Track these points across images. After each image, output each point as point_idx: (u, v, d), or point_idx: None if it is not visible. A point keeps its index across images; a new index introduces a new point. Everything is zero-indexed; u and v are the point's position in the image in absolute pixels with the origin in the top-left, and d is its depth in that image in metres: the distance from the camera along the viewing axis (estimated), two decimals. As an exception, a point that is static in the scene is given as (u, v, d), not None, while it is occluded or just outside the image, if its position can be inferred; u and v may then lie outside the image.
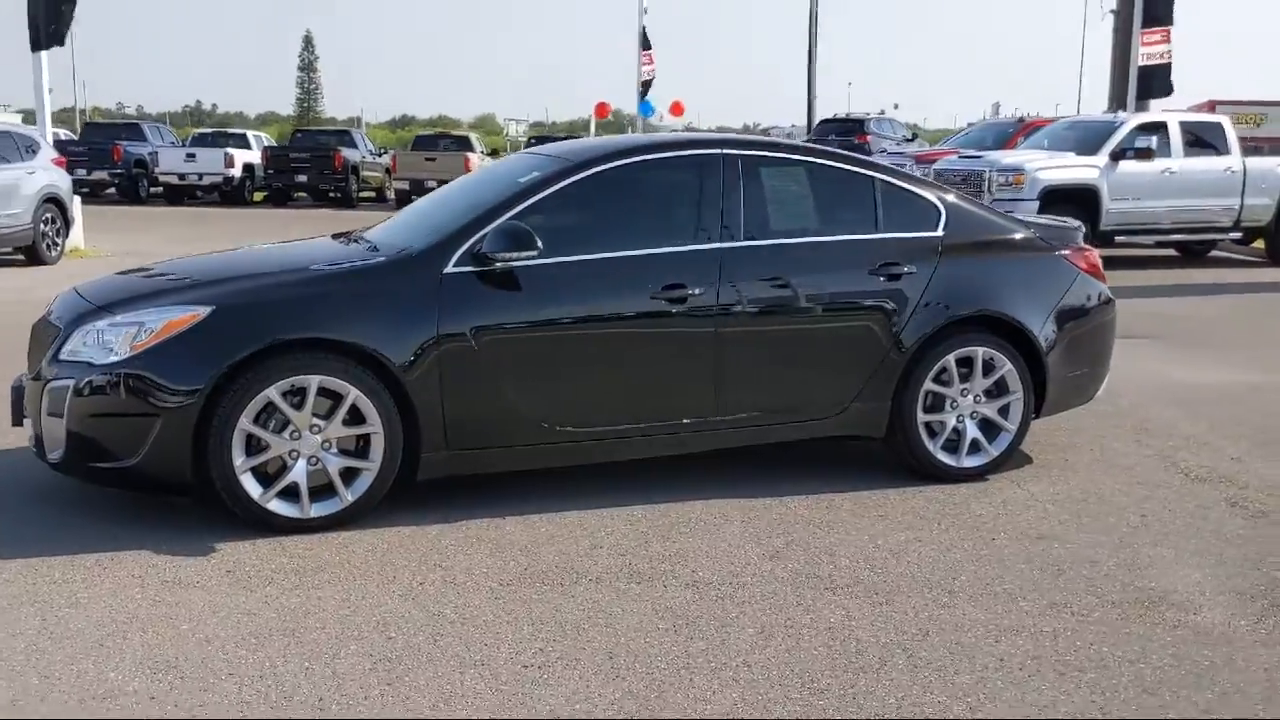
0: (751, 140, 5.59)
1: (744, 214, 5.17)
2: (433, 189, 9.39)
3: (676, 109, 32.18)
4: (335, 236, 5.67)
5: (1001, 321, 5.45)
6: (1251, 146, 18.91)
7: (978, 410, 5.47)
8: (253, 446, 4.53)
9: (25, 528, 4.62)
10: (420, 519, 4.78)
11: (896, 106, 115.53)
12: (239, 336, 4.47)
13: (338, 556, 4.38)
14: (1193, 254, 16.61)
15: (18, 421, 4.95)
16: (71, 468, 4.65)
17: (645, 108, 29.16)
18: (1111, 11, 27.25)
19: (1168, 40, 19.53)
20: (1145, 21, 19.61)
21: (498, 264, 4.77)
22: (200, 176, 27.48)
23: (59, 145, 27.34)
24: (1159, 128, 14.96)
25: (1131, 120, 15.10)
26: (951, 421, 5.44)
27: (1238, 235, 15.75)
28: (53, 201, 14.44)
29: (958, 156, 16.41)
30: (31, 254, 14.09)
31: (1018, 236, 5.67)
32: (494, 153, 32.59)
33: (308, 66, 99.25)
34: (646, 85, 29.26)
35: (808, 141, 30.39)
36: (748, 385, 5.14)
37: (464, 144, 29.24)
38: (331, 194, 27.59)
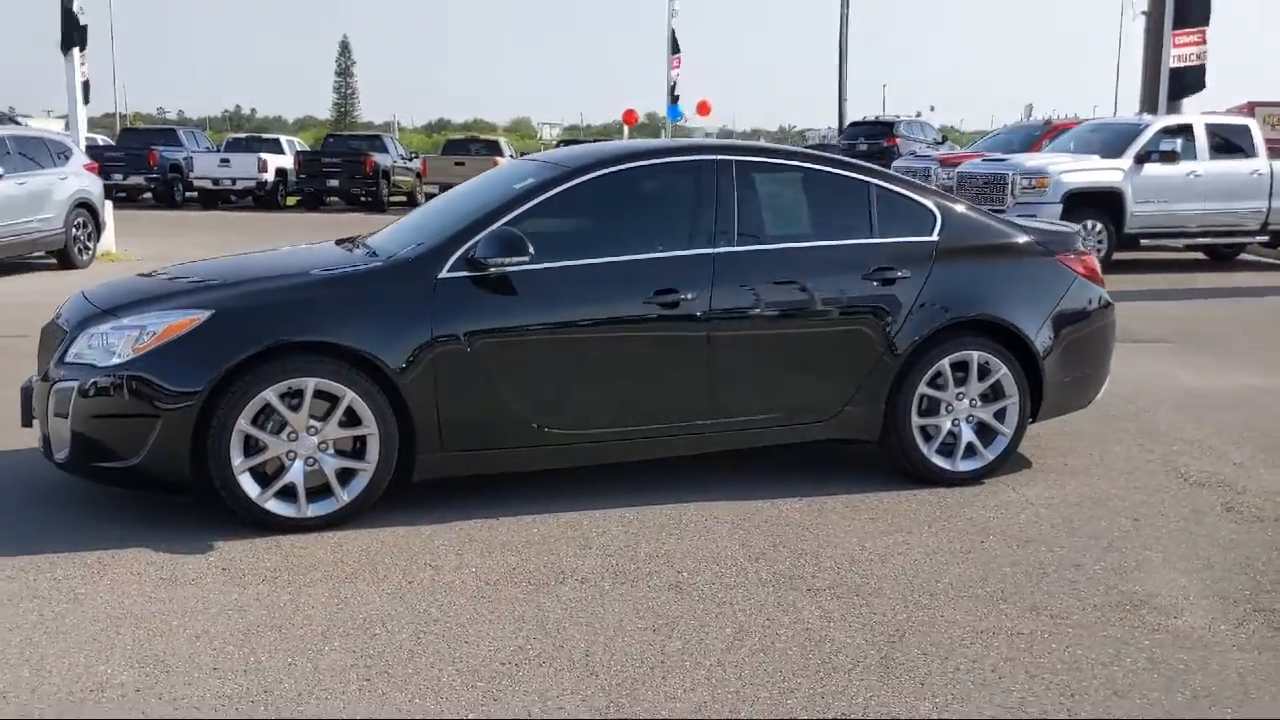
0: (745, 146, 5.65)
1: (737, 219, 5.22)
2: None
3: (703, 109, 32.20)
4: (339, 242, 5.77)
5: (997, 326, 5.47)
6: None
7: (973, 414, 5.50)
8: (251, 447, 4.63)
9: (31, 526, 4.74)
10: (415, 519, 4.87)
11: (933, 109, 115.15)
12: (237, 340, 4.58)
13: (331, 555, 4.47)
14: (1220, 257, 16.48)
15: (27, 422, 5.08)
16: (77, 467, 4.77)
17: (674, 112, 29.23)
18: (1143, 12, 27.04)
19: (1203, 41, 19.35)
20: (1178, 22, 19.43)
21: (491, 269, 4.86)
22: (234, 181, 27.83)
23: (96, 150, 27.91)
24: (1184, 130, 14.85)
25: (1156, 123, 15.01)
26: (946, 425, 5.46)
27: (1265, 238, 15.61)
28: (84, 206, 14.71)
29: (981, 160, 16.34)
30: (63, 257, 14.35)
31: (1014, 241, 5.69)
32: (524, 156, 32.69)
33: (345, 71, 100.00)
34: (675, 88, 29.31)
35: (839, 144, 30.36)
36: (741, 389, 5.19)
37: (494, 148, 29.45)
38: (363, 198, 27.84)
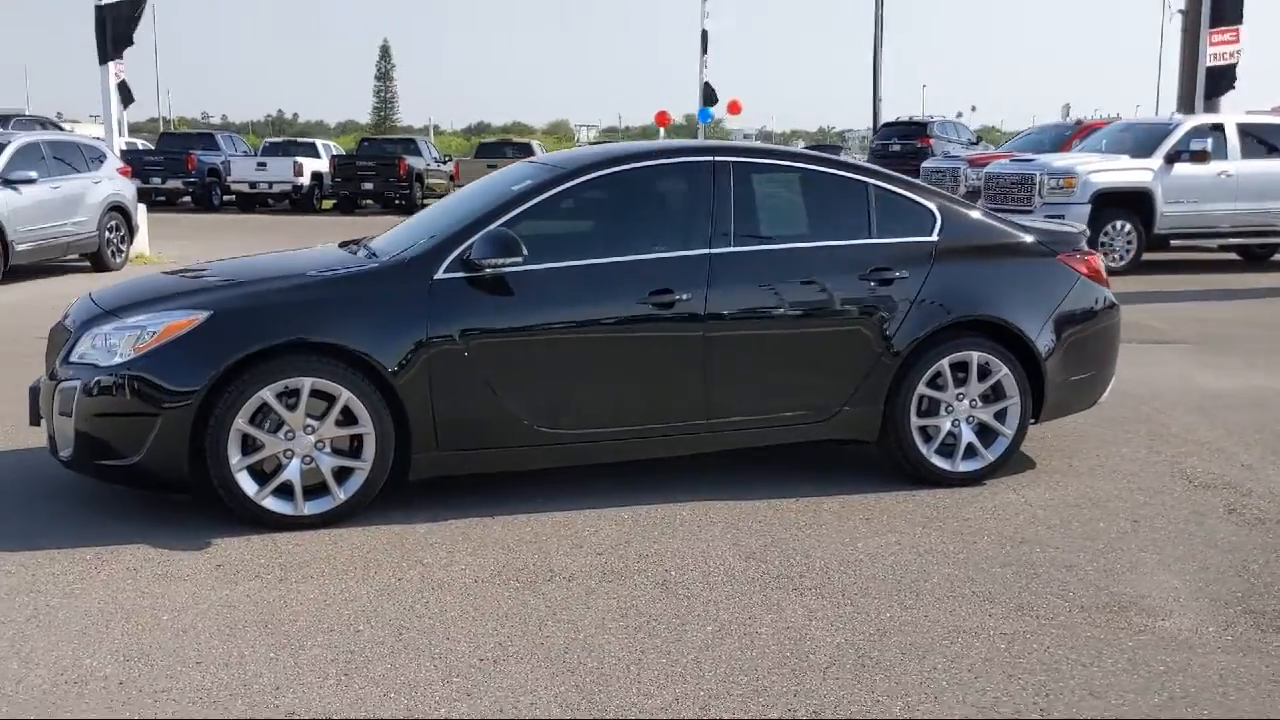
0: (744, 147, 5.67)
1: (734, 220, 5.23)
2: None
3: (734, 108, 32.15)
4: (343, 244, 5.83)
5: (997, 326, 5.45)
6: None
7: (974, 415, 5.48)
8: (249, 446, 4.70)
9: (35, 522, 4.84)
10: (411, 517, 4.92)
11: (974, 109, 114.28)
12: (234, 340, 4.65)
13: (325, 552, 4.53)
14: (1254, 258, 16.28)
15: (35, 421, 5.18)
16: (80, 465, 4.86)
17: (705, 114, 29.23)
18: (1180, 11, 26.75)
19: (1237, 40, 19.12)
20: (1213, 21, 19.24)
21: (487, 270, 4.90)
22: (270, 185, 28.17)
23: (135, 154, 28.31)
24: (1216, 130, 14.67)
25: (1187, 122, 14.84)
26: (946, 426, 5.45)
27: (1299, 239, 15.39)
28: (118, 210, 14.94)
29: (1009, 160, 16.23)
30: (97, 260, 14.59)
31: (1015, 241, 5.66)
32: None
33: (384, 75, 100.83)
34: (707, 88, 29.30)
35: (873, 145, 30.24)
36: (737, 389, 5.20)
37: (526, 151, 29.60)
38: (397, 201, 28.05)
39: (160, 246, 16.89)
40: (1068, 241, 5.82)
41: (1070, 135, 18.41)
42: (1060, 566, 4.48)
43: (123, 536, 4.67)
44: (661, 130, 36.26)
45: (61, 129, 26.69)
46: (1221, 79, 19.01)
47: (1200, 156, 14.31)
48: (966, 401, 5.45)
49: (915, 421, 5.39)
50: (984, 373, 5.45)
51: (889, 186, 5.54)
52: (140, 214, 15.97)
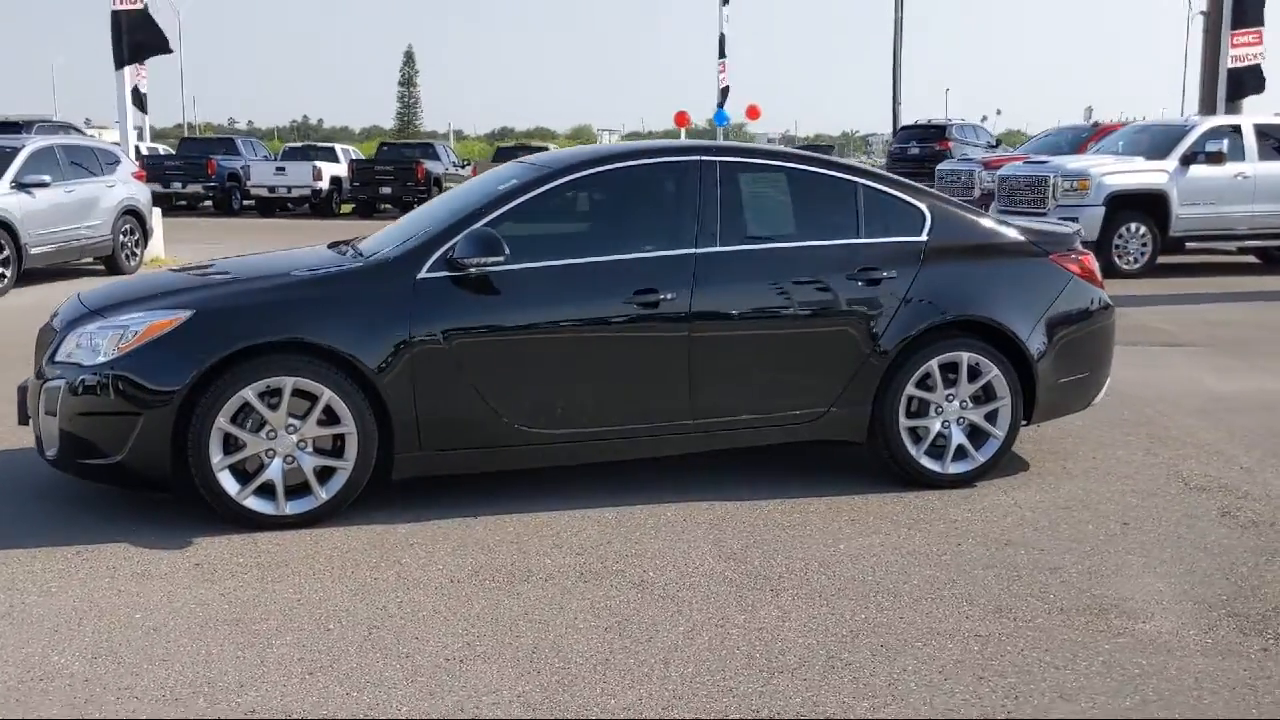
0: (731, 147, 5.64)
1: (720, 220, 5.21)
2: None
3: (752, 113, 32.15)
4: (332, 245, 5.83)
5: (987, 326, 5.40)
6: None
7: (964, 416, 5.43)
8: (230, 445, 4.70)
9: (20, 521, 4.86)
10: (393, 517, 4.92)
11: (999, 112, 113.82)
12: (216, 339, 4.65)
13: (304, 551, 4.53)
14: (1274, 261, 16.09)
15: (24, 420, 5.20)
16: (65, 464, 4.88)
17: (720, 117, 29.22)
18: (1201, 13, 26.52)
19: (1259, 42, 18.94)
20: (1236, 22, 19.07)
21: (471, 269, 4.89)
22: (289, 189, 28.31)
23: (157, 160, 28.53)
24: (1232, 131, 14.53)
25: (1203, 124, 14.70)
26: (936, 427, 5.40)
27: (1318, 241, 15.21)
28: (132, 213, 15.03)
29: (1023, 162, 16.12)
30: (111, 264, 14.68)
31: (1006, 241, 5.61)
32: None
33: (408, 81, 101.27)
34: (724, 93, 29.29)
35: (891, 148, 30.14)
36: (722, 389, 5.17)
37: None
38: (415, 204, 28.10)
39: (175, 250, 16.98)
40: (1061, 241, 5.76)
41: (1087, 137, 18.27)
42: (1044, 569, 4.43)
43: (106, 535, 4.68)
44: (682, 131, 36.25)
45: (84, 134, 26.93)
46: (1245, 81, 18.82)
47: (1216, 158, 14.17)
48: (957, 403, 5.40)
49: (904, 422, 5.35)
50: (974, 374, 5.40)
51: (878, 186, 5.50)
52: (155, 217, 16.05)
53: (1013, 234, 5.66)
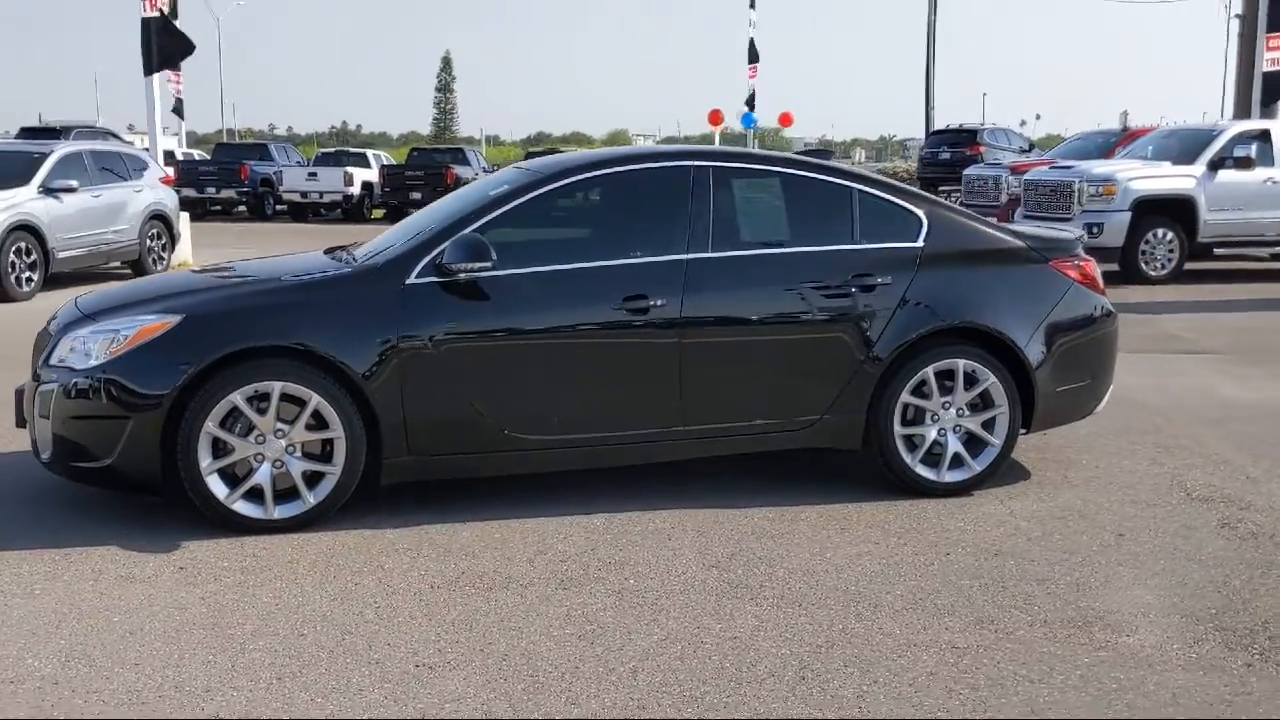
0: (725, 152, 5.60)
1: (712, 226, 5.18)
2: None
3: (785, 120, 32.10)
4: (328, 251, 5.84)
5: (984, 333, 5.33)
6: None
7: (960, 424, 5.36)
8: (219, 449, 4.73)
9: (12, 523, 4.91)
10: (382, 522, 4.92)
11: (1039, 117, 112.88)
12: (204, 344, 4.68)
13: (290, 556, 4.54)
14: (1306, 267, 15.84)
15: (21, 423, 5.25)
16: (58, 467, 4.92)
17: (747, 119, 29.20)
18: (1237, 16, 26.19)
19: (1293, 45, 18.71)
20: (1270, 25, 18.87)
21: (460, 275, 4.89)
22: (321, 195, 28.50)
23: (191, 165, 28.84)
24: (1261, 136, 14.32)
25: (1231, 128, 14.50)
26: (932, 435, 5.34)
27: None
28: (159, 218, 15.20)
29: (1049, 167, 15.96)
30: (138, 268, 14.83)
31: (1004, 247, 5.55)
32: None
33: (445, 87, 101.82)
34: (753, 97, 29.26)
35: (922, 152, 29.94)
36: (713, 396, 5.14)
37: (574, 160, 29.63)
38: (445, 210, 28.19)
39: (203, 254, 17.11)
40: (1062, 248, 5.69)
41: (1116, 142, 18.07)
42: (1032, 580, 4.37)
43: (95, 538, 4.71)
44: (716, 131, 36.16)
45: (121, 139, 27.27)
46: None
47: (1245, 163, 13.98)
48: (953, 410, 5.34)
49: (899, 430, 5.30)
50: (971, 381, 5.33)
51: (874, 192, 5.45)
52: (183, 222, 16.21)
53: (1012, 240, 5.60)
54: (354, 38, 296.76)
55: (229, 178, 28.44)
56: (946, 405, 5.34)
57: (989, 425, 5.38)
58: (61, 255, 13.25)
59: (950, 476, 5.36)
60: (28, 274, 12.66)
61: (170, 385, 4.63)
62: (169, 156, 29.54)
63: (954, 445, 5.36)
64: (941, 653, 3.71)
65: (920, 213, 5.45)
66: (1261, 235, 14.41)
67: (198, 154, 33.66)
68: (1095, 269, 5.74)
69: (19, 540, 4.68)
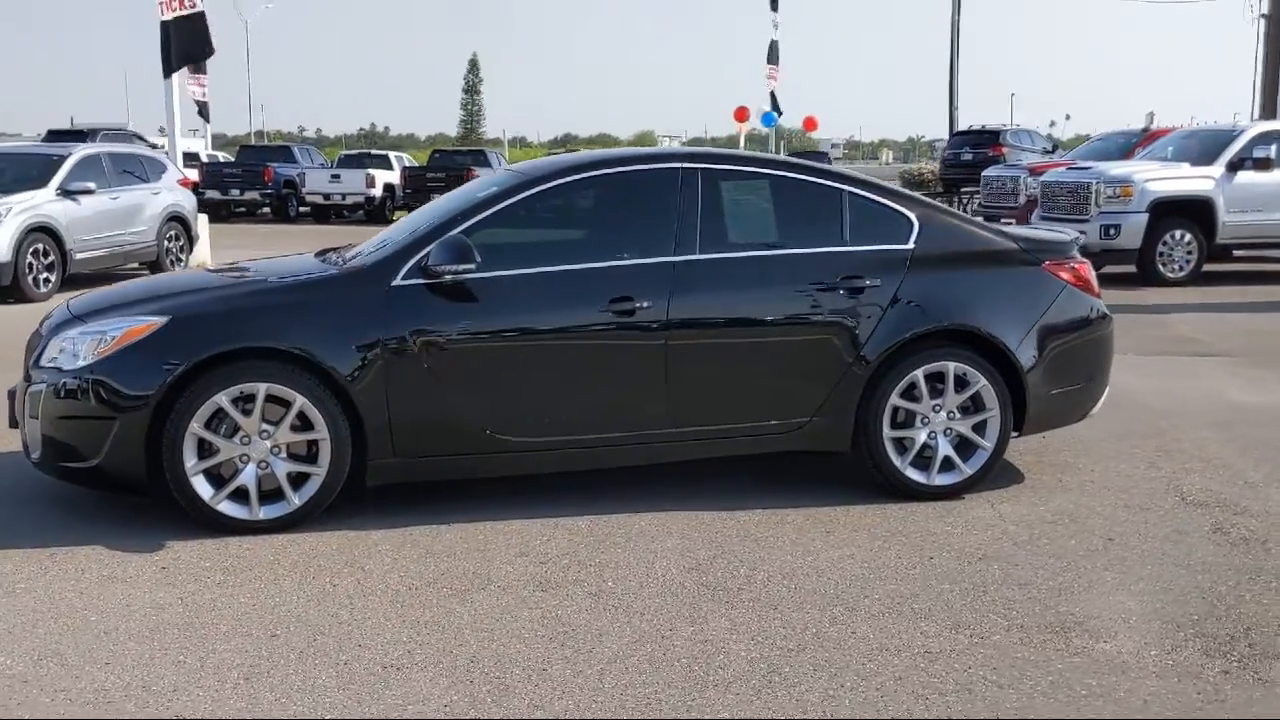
0: (715, 154, 5.58)
1: (700, 227, 5.16)
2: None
3: (809, 124, 32.03)
4: (319, 253, 5.83)
5: (975, 336, 5.29)
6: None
7: (951, 427, 5.32)
8: (205, 450, 4.75)
9: (1, 524, 4.94)
10: (367, 524, 4.93)
11: (1068, 118, 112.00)
12: (189, 345, 4.70)
13: (272, 557, 4.55)
14: (1330, 269, 15.65)
15: (14, 424, 5.30)
16: (48, 467, 4.96)
17: (768, 118, 29.18)
18: (1262, 16, 25.93)
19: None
20: (1296, 24, 18.71)
21: (446, 276, 4.89)
22: (344, 196, 28.66)
23: (215, 167, 29.05)
24: (1282, 136, 14.17)
25: (1251, 129, 14.34)
26: (922, 438, 5.30)
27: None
28: (177, 219, 15.32)
29: (1067, 168, 15.84)
30: (156, 269, 14.92)
31: (996, 249, 5.50)
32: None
33: (471, 89, 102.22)
34: (774, 97, 29.24)
35: (944, 153, 29.79)
36: (700, 398, 5.13)
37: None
38: (466, 211, 28.28)
39: (223, 256, 17.21)
40: (1056, 250, 5.63)
41: (1136, 142, 17.91)
42: (1013, 584, 4.33)
43: (83, 538, 4.75)
44: (740, 126, 36.03)
45: (146, 142, 27.54)
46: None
47: (1264, 164, 13.83)
48: (944, 413, 5.31)
49: (888, 433, 5.26)
50: (961, 384, 5.29)
51: (864, 194, 5.42)
52: (201, 224, 16.32)
53: (1004, 242, 5.55)
54: (384, 40, 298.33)
55: (253, 180, 28.63)
56: (937, 408, 5.30)
57: (980, 428, 5.34)
58: (79, 256, 13.38)
59: (940, 480, 5.32)
60: (45, 275, 12.79)
61: (155, 386, 4.66)
62: (193, 158, 29.83)
63: (944, 448, 5.32)
64: (913, 657, 3.68)
65: (911, 214, 5.41)
66: (1280, 237, 14.25)
67: (222, 156, 33.91)
68: (1090, 271, 5.69)
69: (7, 540, 4.72)
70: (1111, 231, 13.86)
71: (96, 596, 4.15)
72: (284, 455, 4.81)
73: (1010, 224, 15.75)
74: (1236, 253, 14.39)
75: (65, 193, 13.23)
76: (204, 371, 4.69)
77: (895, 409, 5.27)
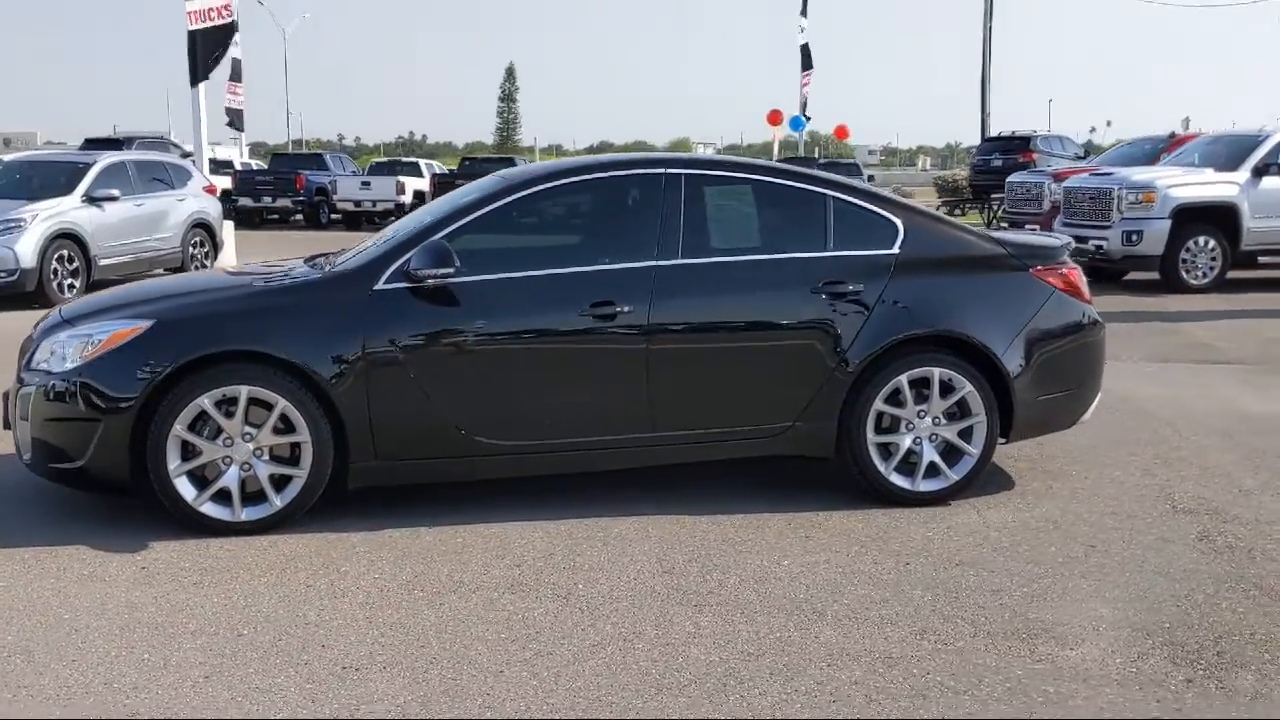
0: (698, 159, 5.60)
1: (682, 232, 5.17)
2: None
3: (840, 133, 32.00)
4: (309, 259, 5.88)
5: (960, 341, 5.27)
6: None
7: (937, 433, 5.30)
8: (188, 452, 4.81)
9: (-8, 523, 5.04)
10: (349, 525, 4.97)
11: (1109, 124, 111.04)
12: (172, 349, 4.77)
13: (251, 558, 4.60)
14: (1358, 276, 15.40)
15: (7, 425, 5.38)
16: (38, 468, 5.04)
17: (796, 122, 29.16)
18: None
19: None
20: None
21: (428, 281, 4.93)
22: (374, 204, 28.90)
23: (248, 175, 29.37)
24: (1308, 141, 13.96)
25: (1276, 134, 14.14)
26: (906, 443, 5.28)
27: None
28: (201, 226, 15.50)
29: (1089, 174, 15.71)
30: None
31: (982, 254, 5.47)
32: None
33: (508, 96, 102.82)
34: (805, 102, 29.22)
35: (973, 160, 29.59)
36: (681, 403, 5.13)
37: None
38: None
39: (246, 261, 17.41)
40: (1045, 255, 5.59)
41: (1162, 148, 17.72)
42: (987, 590, 4.30)
43: (69, 537, 4.82)
44: (774, 129, 35.90)
45: (181, 149, 27.87)
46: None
47: (1288, 170, 13.64)
48: (929, 419, 5.28)
49: (872, 438, 5.24)
50: (947, 389, 5.27)
51: (849, 199, 5.40)
52: (227, 230, 16.50)
53: (991, 247, 5.52)
54: (423, 49, 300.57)
55: (285, 187, 28.91)
56: (922, 413, 5.27)
57: (966, 434, 5.31)
58: (104, 262, 13.56)
59: (926, 486, 5.30)
60: (70, 280, 12.98)
61: (139, 389, 4.73)
62: (227, 166, 30.18)
63: (930, 454, 5.29)
64: (872, 663, 3.67)
65: (896, 220, 5.40)
66: (1308, 243, 14.04)
67: (255, 164, 34.26)
68: (1080, 277, 5.64)
69: (-5, 539, 4.80)
70: (1134, 238, 13.73)
71: (74, 595, 4.21)
72: (266, 457, 4.87)
73: (1034, 230, 15.70)
74: (1262, 259, 14.19)
75: (90, 200, 13.43)
76: (187, 374, 4.75)
77: (880, 414, 5.25)
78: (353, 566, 4.53)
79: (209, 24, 16.43)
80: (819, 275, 5.22)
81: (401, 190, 28.64)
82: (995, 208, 25.34)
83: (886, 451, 5.29)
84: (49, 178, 13.82)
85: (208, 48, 16.38)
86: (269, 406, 4.82)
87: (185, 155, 20.77)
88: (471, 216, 5.12)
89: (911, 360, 5.23)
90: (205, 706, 3.36)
